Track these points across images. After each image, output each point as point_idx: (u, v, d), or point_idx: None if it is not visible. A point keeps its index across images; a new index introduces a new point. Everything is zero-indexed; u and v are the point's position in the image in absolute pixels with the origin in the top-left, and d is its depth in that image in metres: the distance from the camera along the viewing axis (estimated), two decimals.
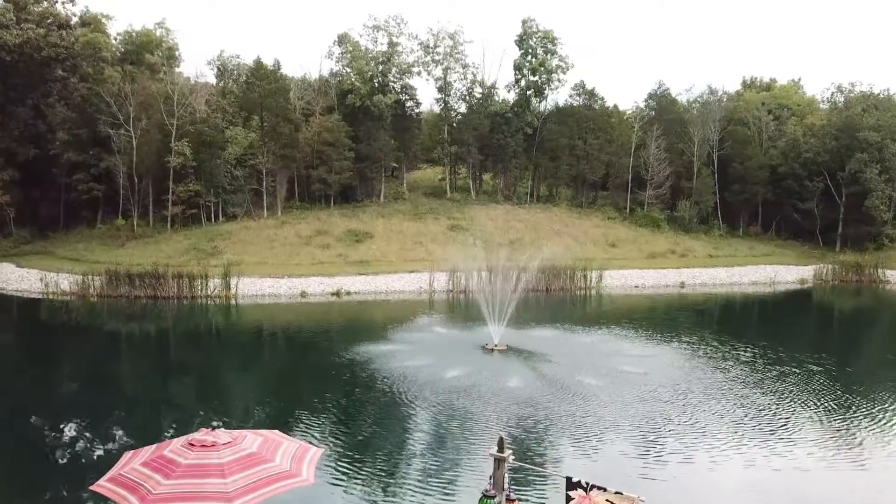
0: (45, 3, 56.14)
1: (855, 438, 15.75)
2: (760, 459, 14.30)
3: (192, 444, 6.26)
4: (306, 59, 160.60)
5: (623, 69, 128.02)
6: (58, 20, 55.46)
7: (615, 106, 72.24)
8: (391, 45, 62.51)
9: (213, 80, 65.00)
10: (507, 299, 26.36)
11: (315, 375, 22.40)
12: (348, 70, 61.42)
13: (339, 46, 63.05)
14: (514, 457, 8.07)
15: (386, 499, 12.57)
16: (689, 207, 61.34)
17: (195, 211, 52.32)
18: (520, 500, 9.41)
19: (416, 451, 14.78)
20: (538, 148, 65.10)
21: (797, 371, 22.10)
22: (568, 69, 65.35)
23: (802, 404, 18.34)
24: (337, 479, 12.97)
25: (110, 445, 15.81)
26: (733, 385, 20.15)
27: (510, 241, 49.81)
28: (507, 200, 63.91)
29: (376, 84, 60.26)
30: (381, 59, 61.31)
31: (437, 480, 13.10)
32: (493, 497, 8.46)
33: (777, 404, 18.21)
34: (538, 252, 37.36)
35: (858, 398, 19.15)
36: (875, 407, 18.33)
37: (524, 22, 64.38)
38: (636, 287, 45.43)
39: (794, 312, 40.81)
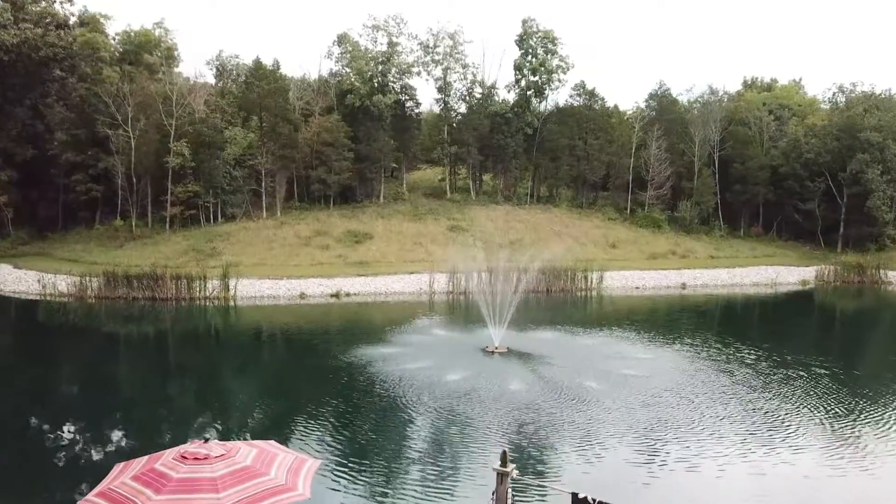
0: (44, 2, 55.98)
1: (864, 444, 15.47)
2: (768, 468, 14.00)
3: (184, 457, 6.01)
4: (306, 59, 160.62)
5: (623, 69, 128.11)
6: (56, 20, 55.29)
7: (615, 106, 72.21)
8: (391, 45, 62.35)
9: (212, 81, 64.90)
10: (507, 301, 26.09)
11: (313, 378, 22.13)
12: (348, 70, 61.25)
13: (339, 46, 62.91)
14: (517, 472, 7.73)
15: None
16: (689, 208, 61.17)
17: (194, 212, 52.08)
18: None
19: (414, 460, 14.47)
20: (538, 148, 64.88)
21: (802, 374, 21.83)
22: (568, 69, 65.32)
23: (809, 409, 18.05)
24: (333, 490, 12.69)
25: (107, 448, 15.59)
26: (738, 389, 19.86)
27: (510, 242, 49.63)
28: (508, 201, 63.71)
29: (376, 84, 60.06)
30: (380, 60, 61.11)
31: (436, 492, 12.81)
32: None
33: (783, 409, 17.93)
34: (538, 253, 37.09)
35: (866, 402, 18.87)
36: (884, 412, 18.04)
37: (524, 22, 64.25)
38: (637, 288, 45.21)
39: (797, 314, 40.60)
